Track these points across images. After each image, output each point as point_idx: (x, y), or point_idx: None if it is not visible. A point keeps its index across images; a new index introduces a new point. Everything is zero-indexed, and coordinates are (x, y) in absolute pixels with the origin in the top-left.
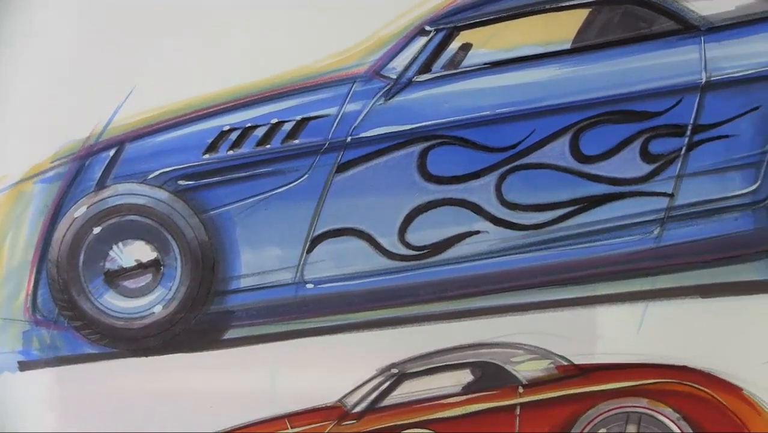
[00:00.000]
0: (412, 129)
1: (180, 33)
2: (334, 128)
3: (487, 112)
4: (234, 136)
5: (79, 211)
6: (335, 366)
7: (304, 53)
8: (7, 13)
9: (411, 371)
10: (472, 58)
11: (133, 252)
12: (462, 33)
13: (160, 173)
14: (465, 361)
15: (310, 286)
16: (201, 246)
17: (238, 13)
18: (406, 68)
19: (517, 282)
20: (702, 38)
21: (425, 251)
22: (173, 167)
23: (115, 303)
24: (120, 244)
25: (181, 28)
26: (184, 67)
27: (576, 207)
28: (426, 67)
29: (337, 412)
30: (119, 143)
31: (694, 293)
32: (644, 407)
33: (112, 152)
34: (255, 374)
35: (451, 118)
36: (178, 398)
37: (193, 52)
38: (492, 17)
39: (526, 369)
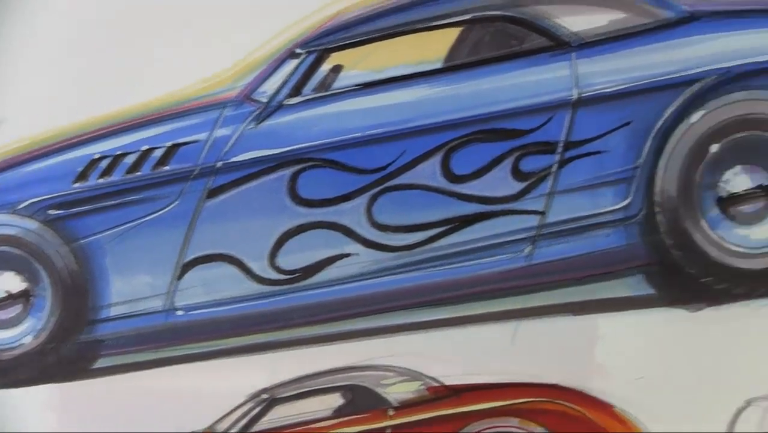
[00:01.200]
0: (282, 153)
1: (49, 62)
2: (204, 154)
3: (358, 134)
4: (104, 164)
5: None
6: (206, 392)
7: (175, 79)
8: None
9: (281, 396)
10: (342, 80)
11: (2, 283)
12: (333, 55)
13: (30, 203)
14: (335, 385)
15: (180, 313)
16: (71, 275)
17: (108, 39)
18: (277, 92)
19: (388, 304)
20: (573, 54)
21: (296, 274)
22: (43, 197)
23: None
24: None
25: (51, 56)
26: (53, 96)
27: (447, 227)
28: (296, 91)
29: None
30: None
31: (566, 311)
32: (516, 427)
33: None
34: (126, 402)
35: (322, 141)
36: None
37: (64, 80)
38: (363, 38)
39: (397, 391)
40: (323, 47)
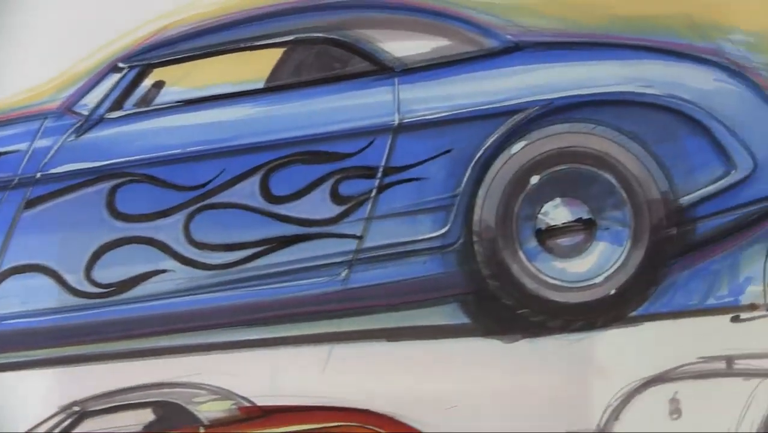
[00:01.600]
0: (101, 166)
1: None
2: (24, 164)
3: (178, 151)
4: None
5: None
6: (18, 402)
7: None
8: None
9: (92, 409)
10: (164, 96)
11: None
12: (155, 70)
13: None
14: (147, 400)
15: None
16: None
17: None
18: (98, 105)
19: (203, 322)
20: (396, 80)
21: (111, 288)
22: None
23: None
24: None
25: None
26: None
27: (264, 247)
28: (118, 105)
29: None
30: None
31: (381, 337)
32: None
33: None
34: None
35: (141, 156)
36: None
37: None
38: (186, 55)
39: (208, 409)
40: (146, 62)
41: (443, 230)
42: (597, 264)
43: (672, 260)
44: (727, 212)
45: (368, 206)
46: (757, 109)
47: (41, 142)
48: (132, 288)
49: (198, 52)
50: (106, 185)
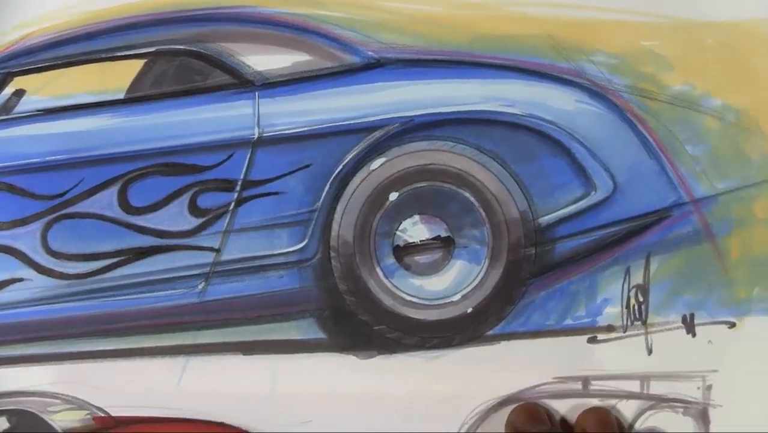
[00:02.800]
0: None
1: None
2: None
3: (36, 160)
4: None
5: None
6: None
7: None
8: None
9: None
10: (24, 105)
11: None
12: (16, 79)
13: None
14: (1, 408)
15: None
16: None
17: None
18: None
19: (58, 331)
20: (257, 93)
21: None
22: None
23: None
24: None
25: None
26: None
27: (122, 258)
28: None
29: None
30: None
31: (236, 350)
32: None
33: None
34: None
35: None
36: None
37: None
38: (48, 64)
39: (63, 419)
40: (6, 70)
41: (301, 245)
42: (454, 282)
43: (530, 279)
44: (586, 233)
45: (226, 219)
46: (618, 132)
47: None
48: None
49: (59, 62)
50: None
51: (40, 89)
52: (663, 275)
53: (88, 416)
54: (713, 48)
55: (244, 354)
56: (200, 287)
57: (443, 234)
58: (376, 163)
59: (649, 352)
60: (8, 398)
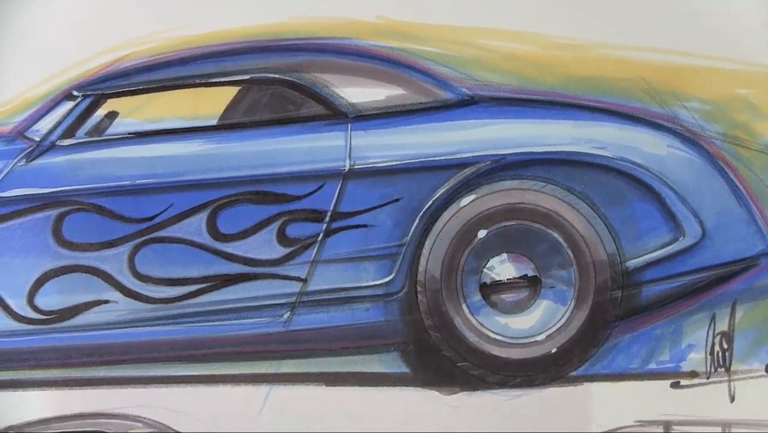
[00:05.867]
0: (50, 193)
1: None
2: None
3: (127, 183)
4: None
5: None
6: None
7: None
8: None
9: None
10: (117, 127)
11: None
12: (109, 101)
13: None
14: (83, 430)
15: None
16: None
17: None
18: (50, 132)
19: (142, 355)
20: (349, 125)
21: (53, 316)
22: None
23: None
24: None
25: None
26: None
27: (208, 284)
28: (70, 132)
29: None
30: None
31: (320, 381)
32: None
33: None
34: None
35: (90, 186)
36: None
37: None
38: (141, 87)
39: None
40: (100, 92)
41: (388, 279)
42: (540, 322)
43: (615, 322)
44: (673, 278)
45: (314, 250)
46: (708, 178)
47: None
48: (74, 317)
49: (153, 86)
50: (53, 212)
51: (133, 112)
52: (748, 324)
53: None
54: None
55: (326, 385)
56: (285, 316)
57: (530, 273)
58: (466, 200)
59: (732, 399)
60: (91, 419)
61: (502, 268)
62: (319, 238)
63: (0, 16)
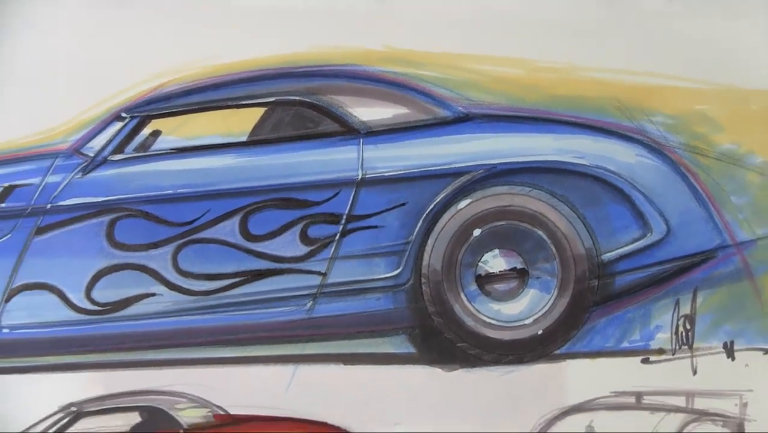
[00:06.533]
0: (103, 201)
1: None
2: (36, 196)
3: (169, 192)
4: None
5: None
6: (23, 401)
7: (12, 129)
8: None
9: (87, 410)
10: (160, 144)
11: None
12: (153, 121)
13: None
14: (135, 404)
15: (6, 330)
16: None
17: None
18: (102, 148)
19: (185, 340)
20: (361, 140)
21: (107, 307)
22: None
23: None
24: None
25: None
26: None
27: (241, 279)
28: (120, 149)
29: None
30: None
31: (338, 360)
32: None
33: None
34: None
35: (138, 195)
36: None
37: None
38: (180, 109)
39: (188, 415)
40: (145, 114)
41: (396, 272)
42: (527, 308)
43: (593, 307)
44: (642, 269)
45: (332, 248)
46: (673, 183)
47: (52, 178)
48: (125, 307)
49: (191, 107)
50: (106, 218)
51: (174, 131)
52: (708, 307)
53: (210, 414)
54: (757, 112)
55: (345, 364)
56: (308, 305)
57: (519, 266)
58: (463, 204)
59: (694, 372)
60: (141, 396)
61: (494, 262)
62: (336, 237)
63: (58, 49)
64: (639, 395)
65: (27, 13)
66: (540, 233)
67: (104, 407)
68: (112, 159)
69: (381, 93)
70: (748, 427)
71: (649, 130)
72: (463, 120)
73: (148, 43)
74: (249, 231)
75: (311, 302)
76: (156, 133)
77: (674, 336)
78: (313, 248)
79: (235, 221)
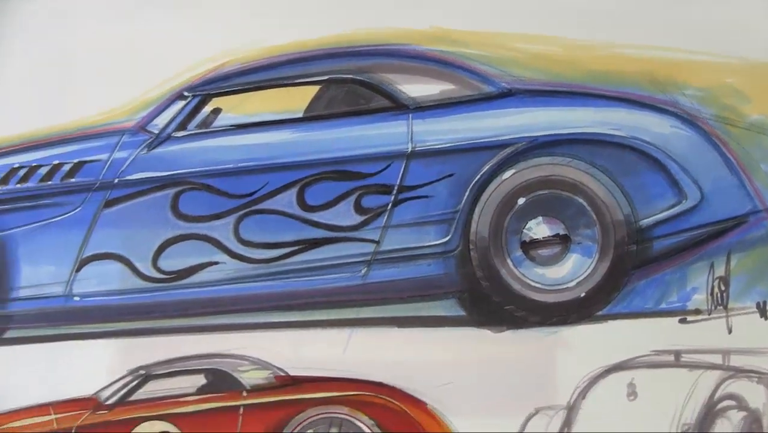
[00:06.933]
0: (168, 175)
1: None
2: (104, 171)
3: (230, 166)
4: (22, 173)
5: None
6: (93, 364)
7: (84, 108)
8: None
9: (155, 373)
10: (221, 120)
11: None
12: (214, 99)
13: None
14: (200, 367)
15: (77, 298)
16: None
17: (28, 71)
18: (166, 125)
19: (246, 305)
20: (410, 115)
21: (173, 275)
22: None
23: None
24: None
25: None
26: None
27: (299, 247)
28: (182, 126)
29: (92, 403)
30: None
31: (392, 324)
32: (345, 414)
33: None
34: (28, 366)
35: (200, 169)
36: None
37: None
38: (239, 88)
39: (250, 377)
40: (206, 92)
41: (445, 239)
42: (570, 271)
43: (632, 270)
44: (678, 234)
45: (384, 217)
46: (705, 152)
47: (119, 154)
48: (190, 275)
49: (249, 86)
50: (171, 191)
51: (234, 108)
52: (741, 269)
53: (271, 375)
54: None
55: (398, 327)
56: (363, 271)
57: (561, 232)
58: (507, 174)
59: (729, 331)
60: (206, 359)
61: (538, 228)
62: (389, 207)
63: (125, 33)
64: (677, 354)
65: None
66: (580, 200)
67: (171, 370)
68: (176, 135)
69: (429, 70)
70: None
71: (682, 103)
72: (507, 95)
73: (207, 26)
74: (306, 202)
75: (365, 268)
76: (216, 111)
77: (710, 297)
78: (366, 217)
79: (293, 192)
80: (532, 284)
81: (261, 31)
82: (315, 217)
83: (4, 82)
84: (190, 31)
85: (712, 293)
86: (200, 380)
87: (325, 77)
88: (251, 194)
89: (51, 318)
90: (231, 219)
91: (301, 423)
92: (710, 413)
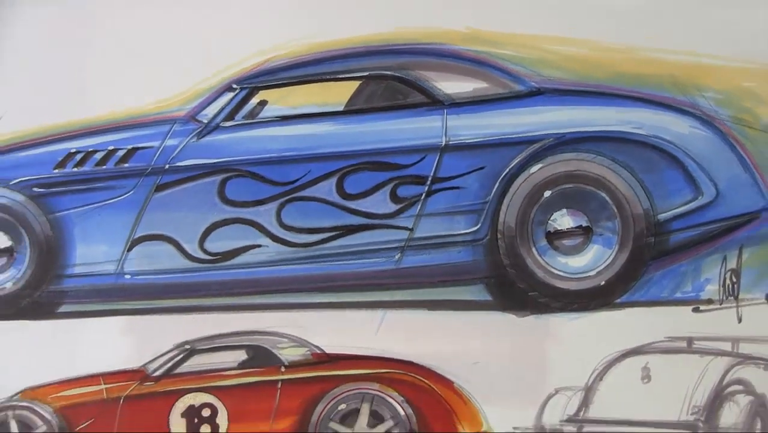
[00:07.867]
0: (215, 163)
1: (40, 74)
2: (156, 157)
3: (275, 155)
4: (79, 157)
5: None
6: (142, 339)
7: (133, 98)
8: None
9: (200, 348)
10: (266, 112)
11: None
12: (261, 92)
13: (19, 181)
14: (242, 343)
15: (128, 276)
16: (46, 239)
17: (89, 61)
18: (215, 116)
19: (286, 286)
20: (445, 111)
21: (218, 256)
22: (30, 177)
23: None
24: None
25: (42, 70)
26: (41, 101)
27: (337, 233)
28: (230, 116)
29: (140, 375)
30: None
31: (423, 306)
32: (377, 390)
33: None
34: (81, 339)
35: (246, 157)
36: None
37: (51, 89)
38: (284, 82)
39: (289, 354)
40: (253, 85)
41: (475, 228)
42: (591, 261)
43: (649, 261)
44: (693, 228)
45: (418, 206)
46: (722, 151)
47: (170, 141)
48: (234, 257)
49: (294, 80)
50: (218, 177)
51: (278, 101)
52: (752, 263)
53: (308, 352)
54: None
55: (429, 310)
56: (397, 257)
57: (584, 224)
58: (535, 168)
59: (739, 320)
60: (247, 336)
61: (562, 220)
62: (422, 197)
63: (177, 28)
64: (690, 340)
65: None
66: (603, 194)
67: (214, 345)
68: (224, 125)
69: (463, 69)
70: None
71: (701, 104)
72: (536, 94)
73: (254, 23)
74: (345, 190)
75: (399, 254)
76: (263, 103)
77: (722, 288)
78: (401, 206)
79: (333, 181)
80: (555, 272)
81: (304, 28)
82: (353, 204)
83: (62, 70)
84: (241, 25)
85: (724, 285)
86: (241, 355)
87: (366, 73)
88: (293, 182)
89: (103, 294)
90: (274, 205)
91: (335, 398)
92: (719, 396)
